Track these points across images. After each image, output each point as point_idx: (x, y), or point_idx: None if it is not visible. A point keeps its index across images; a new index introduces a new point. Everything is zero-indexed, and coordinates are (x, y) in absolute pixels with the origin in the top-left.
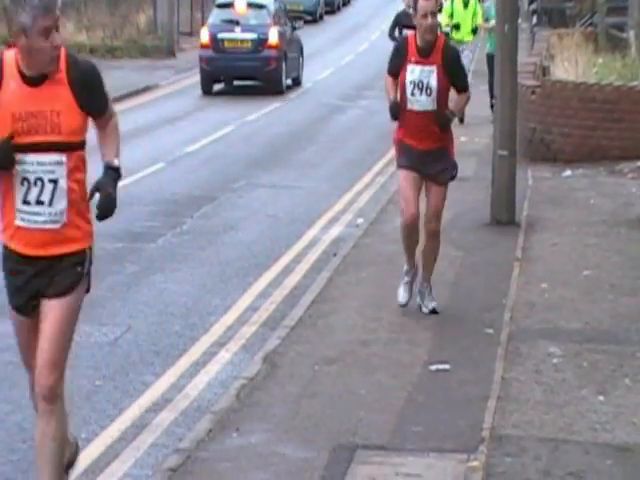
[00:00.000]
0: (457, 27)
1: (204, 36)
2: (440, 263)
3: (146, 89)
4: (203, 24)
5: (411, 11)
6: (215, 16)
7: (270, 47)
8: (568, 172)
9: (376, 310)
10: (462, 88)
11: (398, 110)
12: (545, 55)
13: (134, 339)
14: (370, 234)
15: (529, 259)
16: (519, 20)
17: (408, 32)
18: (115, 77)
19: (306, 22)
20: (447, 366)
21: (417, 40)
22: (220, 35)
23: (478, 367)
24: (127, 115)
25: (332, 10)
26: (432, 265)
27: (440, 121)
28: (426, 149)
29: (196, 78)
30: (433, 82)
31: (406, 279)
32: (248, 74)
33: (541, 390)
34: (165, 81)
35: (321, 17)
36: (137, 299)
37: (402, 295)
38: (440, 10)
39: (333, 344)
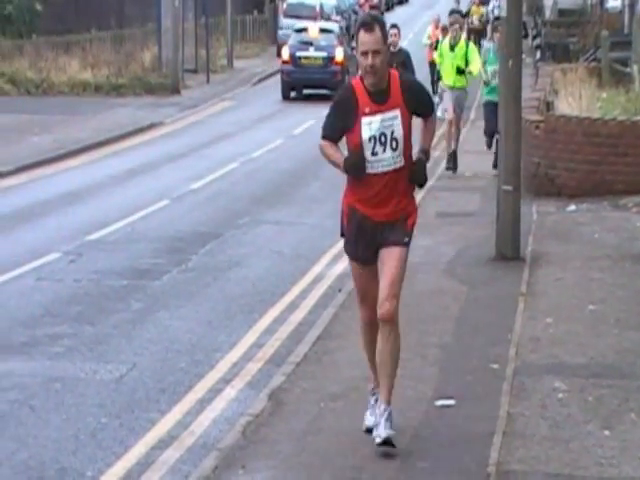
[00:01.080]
0: (461, 72)
1: (285, 54)
2: (445, 298)
3: (151, 126)
4: (208, 61)
5: (395, 49)
6: (293, 39)
7: (336, 63)
8: (572, 207)
9: None
10: (429, 112)
11: (363, 162)
12: (549, 90)
13: (139, 376)
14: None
15: (534, 294)
16: (523, 55)
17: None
18: (120, 114)
19: None
20: (452, 401)
21: (365, 85)
22: (298, 53)
23: (483, 402)
24: (132, 152)
25: None
26: (392, 377)
27: (414, 174)
28: (384, 220)
29: (201, 115)
30: (399, 131)
31: (372, 401)
32: (319, 84)
33: (547, 425)
34: (170, 118)
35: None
36: (142, 336)
37: (368, 418)
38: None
39: (338, 380)
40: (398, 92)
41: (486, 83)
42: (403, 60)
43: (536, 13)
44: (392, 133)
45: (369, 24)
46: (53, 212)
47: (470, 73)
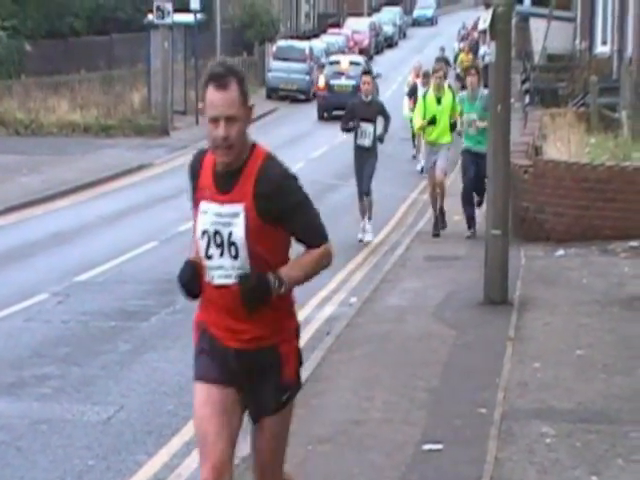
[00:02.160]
0: (433, 122)
1: (321, 82)
2: (433, 342)
3: (140, 167)
4: (197, 103)
5: (368, 98)
6: (328, 69)
7: None
8: (561, 251)
9: (369, 389)
10: (313, 240)
11: (193, 279)
12: (538, 134)
13: (127, 418)
14: (363, 313)
15: (522, 338)
16: (512, 100)
17: (364, 125)
18: (109, 155)
19: (299, 101)
20: (440, 446)
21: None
22: (332, 82)
23: (471, 447)
24: (121, 193)
25: None
26: None
27: (242, 293)
28: (239, 348)
29: (190, 156)
30: (238, 234)
31: None
32: None
33: (534, 470)
34: (159, 160)
35: (314, 96)
36: (130, 378)
37: None
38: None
39: (326, 423)
40: (251, 180)
41: (460, 134)
42: (378, 111)
43: (525, 58)
44: (230, 235)
45: (221, 77)
46: (42, 253)
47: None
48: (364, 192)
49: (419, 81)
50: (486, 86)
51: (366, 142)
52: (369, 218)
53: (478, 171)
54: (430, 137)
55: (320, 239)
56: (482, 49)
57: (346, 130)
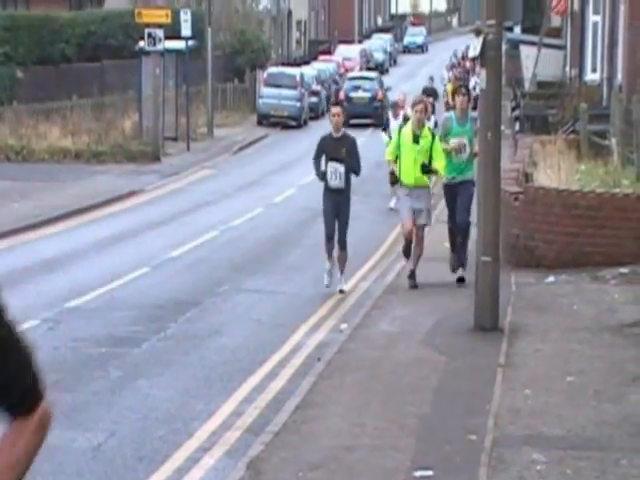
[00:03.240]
0: (394, 181)
1: (341, 95)
2: (424, 368)
3: (131, 194)
4: (188, 129)
5: (338, 133)
6: (347, 84)
7: (378, 100)
8: (551, 278)
9: (360, 415)
10: (20, 401)
11: None
12: (528, 161)
13: (118, 444)
14: (354, 339)
15: (512, 365)
16: (502, 126)
17: (333, 165)
18: (100, 182)
19: (290, 127)
20: (431, 472)
21: None
22: (350, 94)
23: (462, 473)
24: (112, 220)
25: (316, 115)
26: None
27: None
28: None
29: (181, 182)
30: None
31: None
32: (366, 116)
33: None
34: (150, 186)
35: (305, 122)
36: (121, 404)
37: None
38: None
39: (317, 450)
40: None
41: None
42: (348, 148)
43: (515, 85)
44: None
45: None
46: (32, 279)
47: (435, 172)
48: (339, 245)
49: (401, 113)
50: (475, 109)
51: (338, 183)
52: (342, 272)
53: (462, 201)
54: (407, 180)
55: (33, 396)
56: (473, 80)
57: (321, 177)
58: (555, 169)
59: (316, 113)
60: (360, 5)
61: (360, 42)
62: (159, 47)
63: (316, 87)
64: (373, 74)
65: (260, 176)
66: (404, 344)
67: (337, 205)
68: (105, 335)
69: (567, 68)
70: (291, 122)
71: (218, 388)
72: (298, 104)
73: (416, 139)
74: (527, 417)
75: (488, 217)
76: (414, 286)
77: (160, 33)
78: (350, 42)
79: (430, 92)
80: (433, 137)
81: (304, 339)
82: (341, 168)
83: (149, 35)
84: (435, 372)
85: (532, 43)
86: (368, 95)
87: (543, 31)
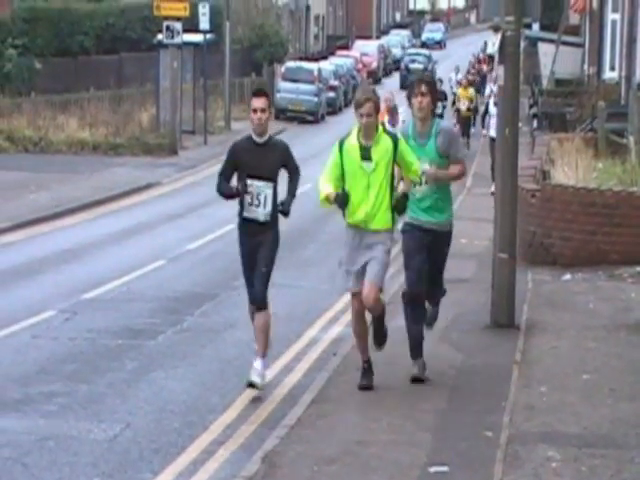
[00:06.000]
0: (342, 203)
1: (402, 65)
2: (440, 364)
3: (148, 186)
4: (205, 123)
5: (262, 138)
6: (406, 58)
7: (428, 71)
8: (568, 276)
9: (375, 410)
10: None
11: None
12: (545, 159)
13: (133, 436)
14: (370, 334)
15: (528, 362)
16: (519, 124)
17: (254, 184)
18: (117, 174)
19: (307, 122)
20: (446, 468)
21: None
22: (409, 65)
23: (477, 470)
24: (128, 212)
25: (334, 111)
26: None
27: None
28: None
29: (198, 176)
30: None
31: None
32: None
33: None
34: (167, 179)
35: (322, 117)
36: (137, 396)
37: None
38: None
39: (332, 444)
40: None
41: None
42: (280, 160)
43: (533, 82)
44: None
45: None
46: (50, 270)
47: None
48: (257, 302)
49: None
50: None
51: (260, 213)
52: (262, 355)
53: (434, 261)
54: (355, 217)
55: None
56: (488, 87)
57: (227, 197)
58: (572, 167)
59: (334, 108)
60: (378, 1)
61: (378, 38)
62: (177, 40)
63: (334, 82)
64: (425, 51)
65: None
66: None
67: (258, 246)
68: (121, 327)
69: (585, 66)
70: (308, 117)
71: (233, 381)
72: (316, 99)
73: (366, 154)
74: (543, 414)
75: (505, 214)
76: (367, 387)
77: (178, 26)
78: (368, 38)
79: (438, 96)
80: (395, 144)
81: (320, 334)
82: (266, 189)
83: (167, 28)
84: (451, 368)
85: (550, 40)
86: (421, 66)
87: (562, 29)
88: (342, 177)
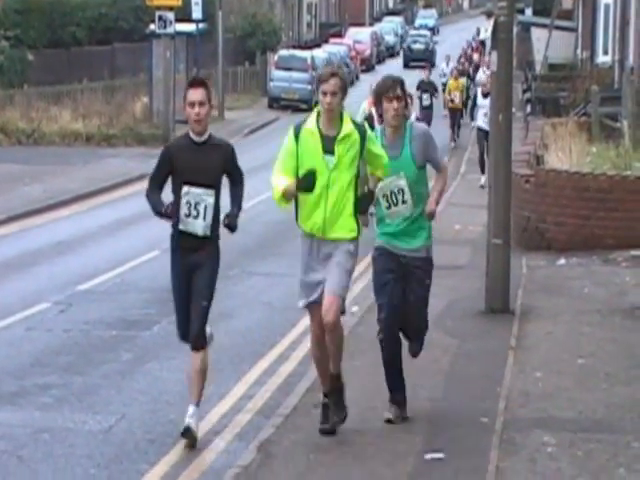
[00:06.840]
0: (308, 186)
1: (405, 46)
2: (435, 351)
3: (141, 177)
4: None
5: (202, 137)
6: (409, 39)
7: (429, 51)
8: (562, 261)
9: (371, 399)
10: None
11: None
12: (539, 144)
13: (129, 427)
14: (364, 322)
15: (523, 347)
16: (513, 109)
17: (192, 191)
18: (111, 165)
19: (301, 110)
20: (442, 455)
21: None
22: (411, 45)
23: (473, 456)
24: (122, 203)
25: None
26: None
27: None
28: None
29: None
30: None
31: None
32: (421, 59)
33: (536, 479)
34: None
35: (316, 105)
36: (132, 387)
37: None
38: None
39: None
40: None
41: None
42: (223, 165)
43: (526, 67)
44: None
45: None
46: (43, 262)
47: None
48: (195, 343)
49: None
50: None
51: (198, 226)
52: (196, 404)
53: (414, 295)
54: (309, 223)
55: None
56: (481, 71)
57: (156, 213)
58: (566, 152)
59: None
60: None
61: (371, 25)
62: (170, 30)
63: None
64: (426, 32)
65: (270, 160)
66: None
67: (195, 268)
68: (116, 318)
69: (578, 50)
70: (302, 105)
71: (229, 371)
72: (309, 87)
73: (328, 147)
74: (538, 400)
75: (499, 200)
76: (328, 431)
77: (171, 16)
78: (361, 25)
79: (426, 87)
80: (362, 135)
81: None
82: (208, 198)
83: (160, 18)
84: (446, 355)
85: (543, 25)
86: (423, 47)
87: (554, 13)
88: (297, 170)
